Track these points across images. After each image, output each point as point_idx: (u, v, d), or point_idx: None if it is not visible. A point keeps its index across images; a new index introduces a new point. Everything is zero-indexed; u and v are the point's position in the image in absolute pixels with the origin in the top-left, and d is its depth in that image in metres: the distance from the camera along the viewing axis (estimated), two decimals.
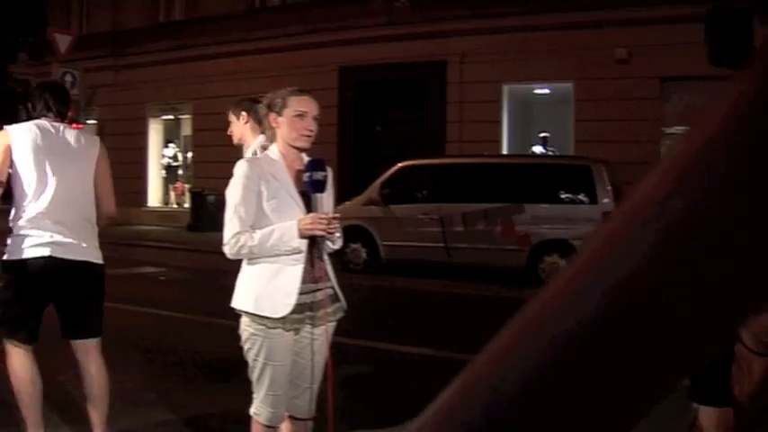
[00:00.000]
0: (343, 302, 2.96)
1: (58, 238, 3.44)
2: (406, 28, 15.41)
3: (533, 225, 10.06)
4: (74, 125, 16.64)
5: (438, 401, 0.46)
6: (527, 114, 16.27)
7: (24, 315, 3.49)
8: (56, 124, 3.62)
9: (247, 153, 3.65)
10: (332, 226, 2.75)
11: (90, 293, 3.64)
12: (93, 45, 20.16)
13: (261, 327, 2.75)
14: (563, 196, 10.21)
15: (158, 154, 20.68)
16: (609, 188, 9.63)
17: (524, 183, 10.40)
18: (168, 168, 20.63)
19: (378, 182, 11.22)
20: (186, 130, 20.51)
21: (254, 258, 2.77)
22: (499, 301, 8.95)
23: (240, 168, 2.80)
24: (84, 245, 3.56)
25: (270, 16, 18.09)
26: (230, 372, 4.84)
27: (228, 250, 2.76)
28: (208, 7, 19.07)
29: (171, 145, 20.63)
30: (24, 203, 3.46)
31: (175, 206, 20.26)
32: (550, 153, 13.66)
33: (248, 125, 3.96)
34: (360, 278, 9.64)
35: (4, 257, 3.50)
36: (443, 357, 5.81)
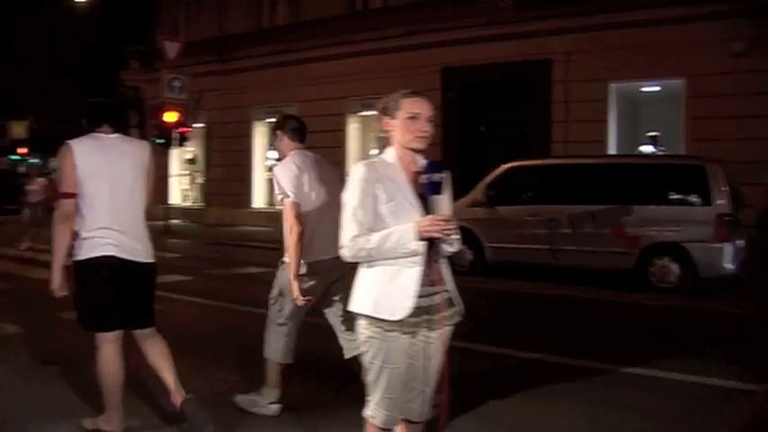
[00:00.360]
0: (460, 307, 3.01)
1: (117, 240, 3.97)
2: (509, 27, 15.65)
3: (643, 227, 10.11)
4: (182, 129, 17.97)
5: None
6: (634, 113, 16.20)
7: (105, 308, 4.01)
8: (108, 135, 4.13)
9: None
10: (449, 228, 2.78)
11: (145, 290, 4.19)
12: (200, 51, 21.43)
13: (378, 329, 2.83)
14: (674, 197, 10.22)
15: (263, 156, 21.62)
16: (724, 189, 9.63)
17: (633, 183, 10.47)
18: (272, 170, 21.58)
19: (483, 183, 11.53)
20: None
21: (371, 261, 2.85)
22: (609, 305, 9.10)
23: (357, 171, 2.86)
24: (139, 246, 4.09)
25: (371, 18, 18.73)
26: (336, 372, 5.14)
27: (347, 252, 2.83)
28: (310, 11, 19.94)
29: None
30: (86, 210, 3.96)
31: (280, 207, 21.16)
32: (660, 153, 13.67)
33: (283, 141, 4.67)
34: (465, 280, 9.94)
35: (74, 258, 3.99)
36: (553, 362, 5.98)
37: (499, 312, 8.63)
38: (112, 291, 3.99)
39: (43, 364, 5.83)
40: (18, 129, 32.08)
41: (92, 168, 3.99)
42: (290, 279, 4.33)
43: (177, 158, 23.10)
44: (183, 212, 22.72)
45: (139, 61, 25.34)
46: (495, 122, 16.96)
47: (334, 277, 4.54)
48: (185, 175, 24.32)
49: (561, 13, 14.98)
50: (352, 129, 19.64)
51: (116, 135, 4.19)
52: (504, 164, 11.59)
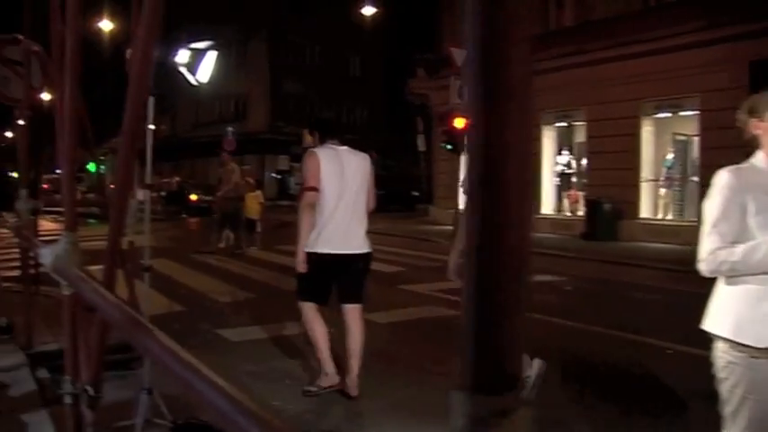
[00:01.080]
0: None
1: (338, 238, 5.24)
2: None
3: None
4: None
5: None
6: None
7: (315, 290, 5.37)
8: (337, 147, 5.38)
9: None
10: None
11: (360, 273, 5.46)
12: None
13: (741, 355, 2.65)
14: None
15: (551, 161, 22.39)
16: None
17: None
18: (561, 176, 22.24)
19: None
20: (580, 136, 21.86)
21: (734, 277, 2.70)
22: None
23: (722, 178, 2.73)
24: (355, 241, 5.33)
25: (666, 13, 18.53)
26: (643, 398, 5.49)
27: (705, 267, 2.70)
28: (599, 10, 20.28)
29: (564, 152, 22.16)
30: (322, 209, 5.24)
31: (568, 214, 21.76)
32: None
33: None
34: None
35: (306, 249, 5.25)
36: None
37: None
38: (325, 278, 5.35)
39: None
40: (310, 137, 36.55)
41: (329, 173, 5.20)
42: None
43: (464, 164, 24.77)
44: None
45: (426, 69, 27.55)
46: None
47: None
48: None
49: None
50: (646, 132, 19.61)
51: (345, 147, 5.44)
52: None
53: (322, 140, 5.51)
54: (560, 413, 4.99)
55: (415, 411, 5.11)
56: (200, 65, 4.80)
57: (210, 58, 4.83)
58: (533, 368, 4.91)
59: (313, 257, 5.25)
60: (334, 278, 5.41)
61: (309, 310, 5.38)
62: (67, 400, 2.50)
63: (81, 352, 2.48)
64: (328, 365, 5.42)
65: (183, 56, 4.65)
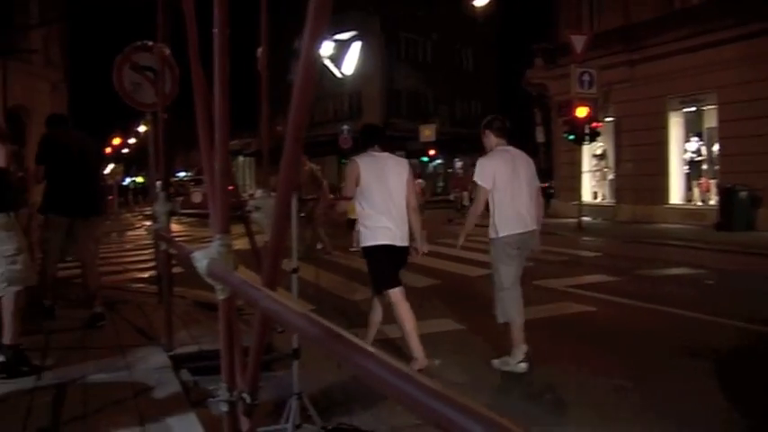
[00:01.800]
0: None
1: (391, 232, 5.82)
2: None
3: None
4: (594, 124, 19.14)
5: None
6: None
7: (389, 276, 5.92)
8: (378, 153, 5.99)
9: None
10: None
11: (404, 262, 6.07)
12: (605, 42, 22.02)
13: None
14: None
15: (679, 149, 21.60)
16: None
17: None
18: (691, 163, 21.32)
19: None
20: (710, 121, 20.88)
21: None
22: None
23: None
24: (403, 234, 5.90)
25: None
26: None
27: None
28: None
29: (693, 139, 21.19)
30: (369, 209, 5.84)
31: (700, 203, 20.89)
32: None
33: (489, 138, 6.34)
34: None
35: (362, 245, 5.94)
36: None
37: None
38: (391, 264, 5.89)
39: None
40: (427, 132, 36.59)
41: (370, 178, 5.82)
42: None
43: (587, 154, 24.12)
44: (594, 209, 23.49)
45: (544, 58, 27.02)
46: None
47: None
48: (595, 171, 25.53)
49: None
50: None
51: (386, 153, 6.06)
52: None
53: (364, 148, 6.14)
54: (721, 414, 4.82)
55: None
56: (345, 56, 4.74)
57: (355, 50, 4.77)
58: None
59: (375, 251, 5.88)
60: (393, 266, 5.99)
61: (397, 293, 5.90)
62: (223, 407, 2.45)
63: (237, 358, 2.42)
64: (420, 349, 5.85)
65: (326, 48, 4.61)
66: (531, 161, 6.35)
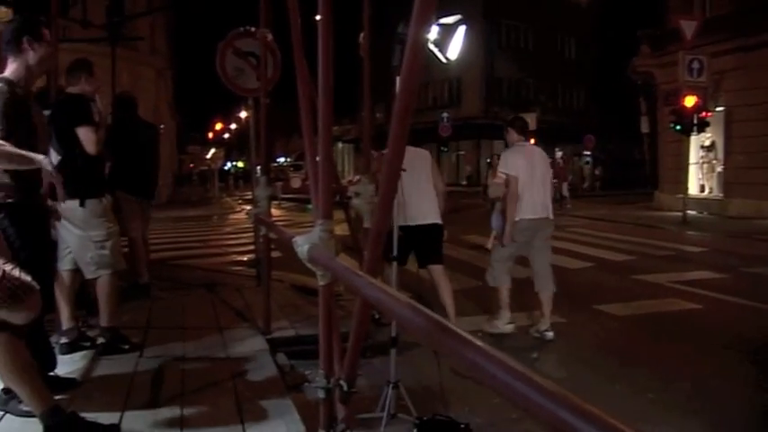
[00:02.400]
0: None
1: (415, 211, 6.09)
2: None
3: None
4: (703, 114, 18.39)
5: None
6: None
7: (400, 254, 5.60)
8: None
9: None
10: None
11: (436, 240, 6.47)
12: (716, 28, 21.09)
13: None
14: None
15: None
16: None
17: None
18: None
19: None
20: None
21: None
22: None
23: None
24: (432, 212, 6.39)
25: None
26: None
27: None
28: None
29: None
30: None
31: None
32: None
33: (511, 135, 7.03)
34: None
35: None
36: None
37: None
38: (405, 247, 5.75)
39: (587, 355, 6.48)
40: (527, 120, 36.16)
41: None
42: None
43: (694, 146, 23.15)
44: (700, 203, 22.74)
45: (650, 45, 26.18)
46: None
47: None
48: (702, 163, 24.60)
49: None
50: None
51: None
52: None
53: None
54: None
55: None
56: (451, 41, 4.68)
57: (460, 34, 4.70)
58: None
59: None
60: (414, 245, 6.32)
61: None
62: (320, 394, 2.45)
63: (335, 345, 2.41)
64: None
65: (431, 32, 4.56)
66: (545, 156, 7.28)
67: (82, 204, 4.95)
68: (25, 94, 3.89)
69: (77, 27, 14.35)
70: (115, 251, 5.19)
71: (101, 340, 5.19)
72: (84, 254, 5.04)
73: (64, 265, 5.20)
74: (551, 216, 6.98)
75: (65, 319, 5.17)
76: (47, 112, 4.79)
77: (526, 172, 6.74)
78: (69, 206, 4.79)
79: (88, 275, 5.16)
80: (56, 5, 6.15)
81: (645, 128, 32.37)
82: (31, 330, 3.38)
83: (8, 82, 3.74)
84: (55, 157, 4.82)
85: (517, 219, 6.69)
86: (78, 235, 5.02)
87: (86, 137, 4.90)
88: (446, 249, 6.82)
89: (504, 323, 6.90)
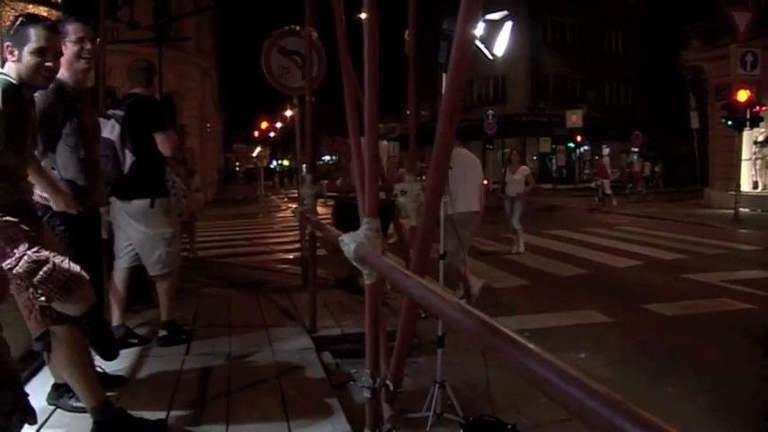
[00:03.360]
0: None
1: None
2: None
3: None
4: (756, 108, 17.89)
5: None
6: None
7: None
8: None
9: None
10: None
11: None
12: None
13: None
14: None
15: None
16: None
17: None
18: None
19: None
20: None
21: None
22: None
23: None
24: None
25: None
26: None
27: None
28: None
29: None
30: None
31: None
32: None
33: None
34: None
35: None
36: None
37: None
38: None
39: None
40: (574, 117, 35.73)
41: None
42: None
43: (746, 141, 22.64)
44: (753, 200, 22.20)
45: (700, 39, 25.65)
46: None
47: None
48: (755, 159, 24.00)
49: None
50: None
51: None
52: None
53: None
54: None
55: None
56: (497, 37, 4.64)
57: (507, 30, 4.66)
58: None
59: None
60: None
61: None
62: (366, 394, 2.44)
63: (382, 344, 2.41)
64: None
65: (478, 28, 4.51)
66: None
67: (152, 204, 5.10)
68: (76, 94, 3.98)
69: (125, 28, 14.57)
70: (178, 249, 5.40)
71: (162, 333, 5.34)
72: (152, 252, 5.18)
73: (122, 263, 5.34)
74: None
75: (115, 317, 5.27)
76: (119, 112, 5.01)
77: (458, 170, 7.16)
78: (139, 206, 5.02)
79: (153, 272, 5.30)
80: (104, 7, 6.25)
81: (694, 124, 31.73)
82: (90, 321, 3.45)
83: (59, 83, 3.81)
84: (130, 157, 5.02)
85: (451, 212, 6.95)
86: (148, 233, 5.15)
87: (164, 141, 5.06)
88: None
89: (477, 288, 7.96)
